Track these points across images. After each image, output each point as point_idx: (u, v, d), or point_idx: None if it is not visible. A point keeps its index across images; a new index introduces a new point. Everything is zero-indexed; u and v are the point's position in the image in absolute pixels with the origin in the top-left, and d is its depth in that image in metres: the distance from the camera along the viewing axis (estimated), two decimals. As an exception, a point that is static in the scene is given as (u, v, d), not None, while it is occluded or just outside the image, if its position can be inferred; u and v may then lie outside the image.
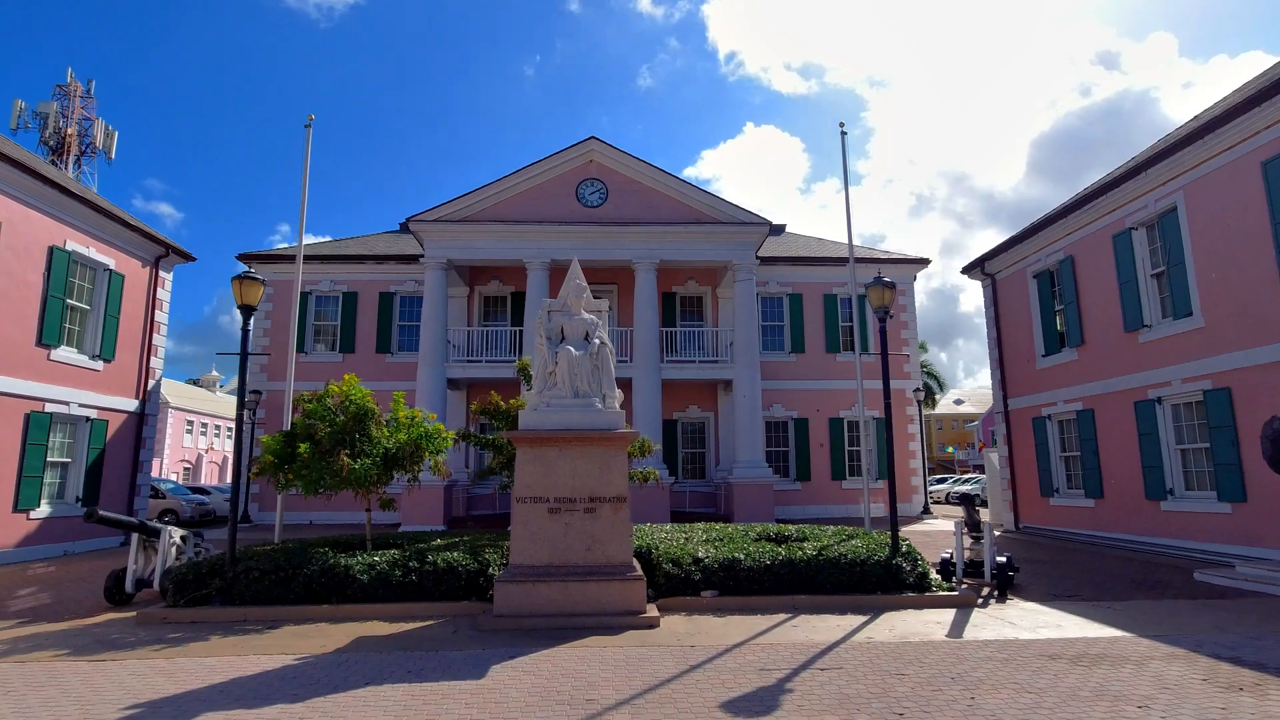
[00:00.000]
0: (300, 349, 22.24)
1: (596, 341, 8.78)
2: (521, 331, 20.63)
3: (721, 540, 9.86)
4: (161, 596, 8.92)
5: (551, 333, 8.89)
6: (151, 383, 17.15)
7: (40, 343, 13.94)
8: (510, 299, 22.89)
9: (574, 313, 8.96)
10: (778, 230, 26.86)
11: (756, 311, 20.72)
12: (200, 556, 9.79)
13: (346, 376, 9.98)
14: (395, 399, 10.22)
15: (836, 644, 6.83)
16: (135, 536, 9.15)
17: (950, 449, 58.80)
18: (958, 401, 67.93)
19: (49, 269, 14.08)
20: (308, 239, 24.94)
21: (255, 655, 6.52)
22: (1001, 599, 8.92)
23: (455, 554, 8.80)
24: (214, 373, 60.67)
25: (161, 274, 17.55)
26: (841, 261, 23.49)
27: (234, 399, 57.95)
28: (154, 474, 23.42)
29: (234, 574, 8.34)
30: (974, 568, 9.62)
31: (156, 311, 17.36)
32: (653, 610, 7.78)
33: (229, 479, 51.26)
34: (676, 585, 8.56)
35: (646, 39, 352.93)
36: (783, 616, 7.98)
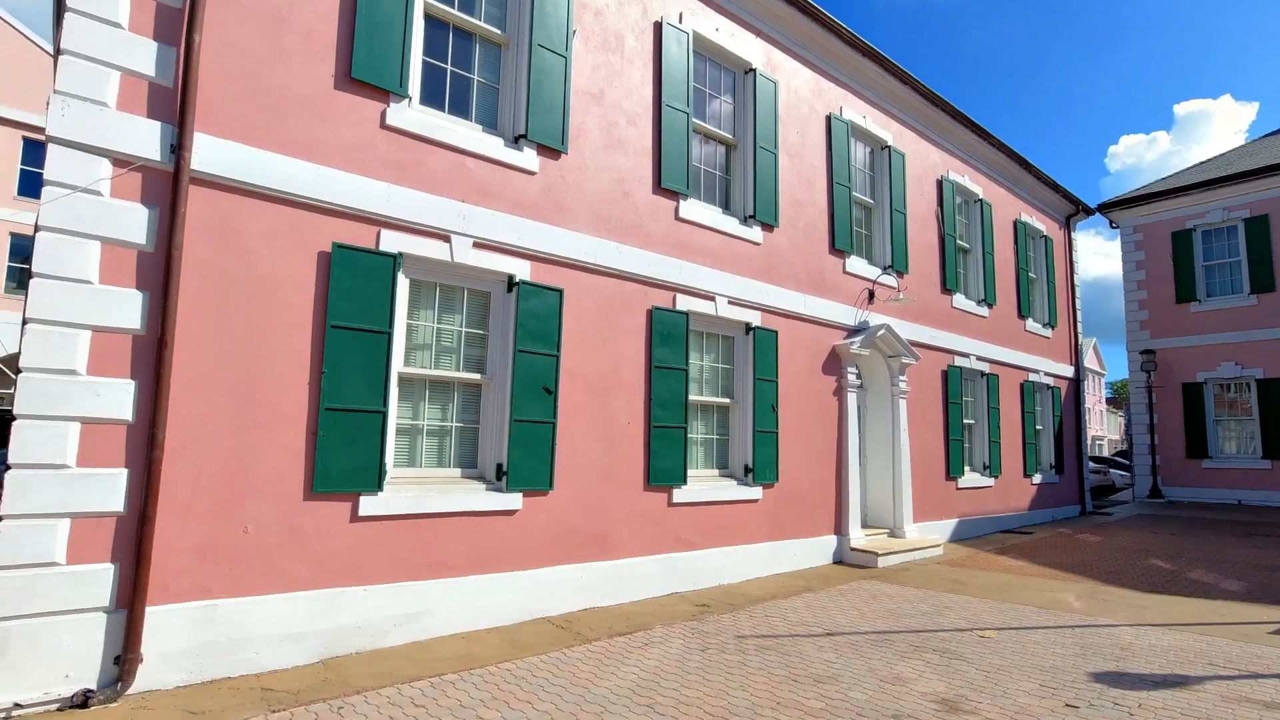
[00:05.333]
0: (1191, 298, 18.66)
1: None
2: None
3: None
4: None
5: None
6: (1077, 349, 16.40)
7: (1019, 315, 14.30)
8: None
9: None
10: None
11: None
12: None
13: None
14: None
15: None
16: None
17: None
18: None
19: (1016, 239, 14.39)
20: (1168, 178, 21.12)
21: None
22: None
23: None
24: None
25: (1072, 234, 16.70)
26: None
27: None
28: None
29: None
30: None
31: (1073, 273, 16.56)
32: None
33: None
34: None
35: None
36: None
